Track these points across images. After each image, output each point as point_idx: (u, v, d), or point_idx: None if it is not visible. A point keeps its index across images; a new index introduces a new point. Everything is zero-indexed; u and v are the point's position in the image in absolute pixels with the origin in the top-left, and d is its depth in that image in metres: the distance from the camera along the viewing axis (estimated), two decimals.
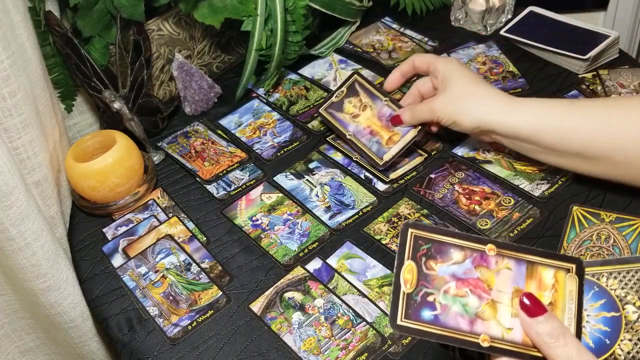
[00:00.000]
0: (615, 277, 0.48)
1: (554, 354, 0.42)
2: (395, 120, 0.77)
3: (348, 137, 0.78)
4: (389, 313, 0.44)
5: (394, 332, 0.44)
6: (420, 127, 0.76)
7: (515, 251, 0.46)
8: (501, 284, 0.45)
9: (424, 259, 0.45)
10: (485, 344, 0.43)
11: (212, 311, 0.65)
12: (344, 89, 0.82)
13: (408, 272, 0.45)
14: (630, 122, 0.62)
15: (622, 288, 0.47)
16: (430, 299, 0.44)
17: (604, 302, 0.47)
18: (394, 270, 0.45)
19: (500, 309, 0.44)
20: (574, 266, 0.46)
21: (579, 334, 0.44)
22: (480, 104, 0.69)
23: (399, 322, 0.44)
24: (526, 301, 0.44)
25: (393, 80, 0.80)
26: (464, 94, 0.70)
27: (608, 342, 0.46)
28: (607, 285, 0.47)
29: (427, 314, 0.44)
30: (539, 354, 0.43)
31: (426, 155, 0.78)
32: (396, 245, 0.68)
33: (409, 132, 0.76)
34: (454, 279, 0.45)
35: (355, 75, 0.83)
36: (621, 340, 0.46)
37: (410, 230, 0.46)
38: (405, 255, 0.45)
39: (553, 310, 0.44)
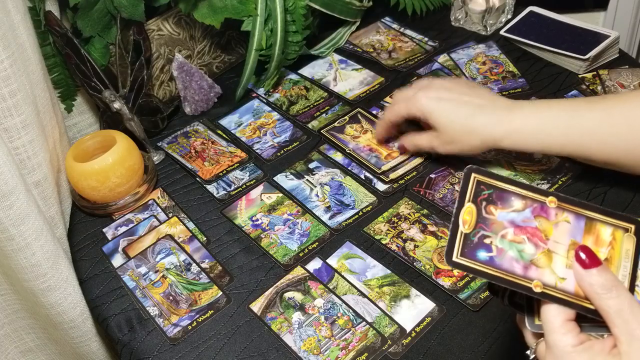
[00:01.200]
0: None
1: (605, 305, 0.42)
2: (402, 149, 0.78)
3: (347, 151, 0.79)
4: (445, 249, 0.44)
5: (449, 266, 0.45)
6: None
7: (576, 206, 0.46)
8: (558, 236, 0.45)
9: (484, 203, 0.46)
10: (538, 289, 0.44)
11: (212, 311, 0.65)
12: (346, 117, 0.85)
13: (467, 213, 0.45)
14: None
15: None
16: (487, 241, 0.45)
17: None
18: (454, 211, 0.45)
19: (555, 258, 0.45)
20: (633, 226, 0.46)
21: (631, 291, 0.44)
22: (481, 133, 0.68)
23: (454, 258, 0.44)
24: (581, 254, 0.44)
25: (378, 137, 0.80)
26: (459, 131, 0.69)
27: None
28: None
29: (482, 254, 0.44)
30: (590, 306, 0.43)
31: (426, 155, 0.78)
32: (397, 246, 0.68)
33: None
34: (512, 225, 0.45)
35: (358, 109, 0.86)
36: None
37: (473, 174, 0.46)
38: (467, 198, 0.46)
39: (608, 266, 0.44)
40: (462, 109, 0.68)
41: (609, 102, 0.64)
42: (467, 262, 0.44)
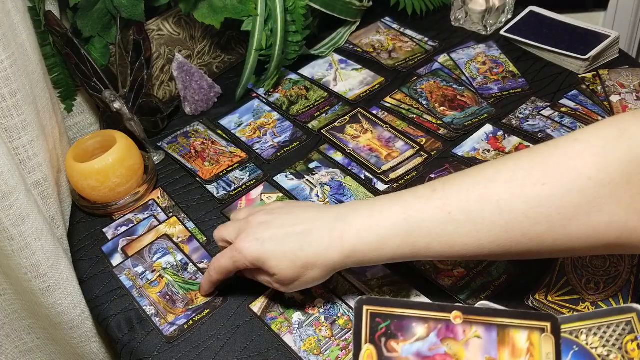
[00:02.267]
0: (595, 334, 0.43)
1: None
2: (242, 274, 0.64)
3: (347, 151, 0.79)
4: None
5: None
6: (419, 147, 0.78)
7: (484, 316, 0.42)
8: (472, 356, 0.41)
9: (383, 339, 0.41)
10: None
11: (208, 310, 0.65)
12: (346, 117, 0.84)
13: (367, 357, 0.41)
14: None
15: (604, 346, 0.43)
16: None
17: None
18: (352, 357, 0.41)
19: None
20: (548, 325, 0.42)
21: None
22: (317, 264, 0.57)
23: None
24: None
25: (205, 292, 0.67)
26: (293, 270, 0.57)
27: None
28: (587, 344, 0.43)
29: None
30: None
31: (426, 155, 0.78)
32: None
33: (408, 150, 0.78)
34: (419, 358, 0.41)
35: (359, 109, 0.85)
36: None
37: (365, 307, 0.42)
38: (363, 339, 0.41)
39: None
40: (286, 245, 0.57)
41: (444, 196, 0.53)
42: None
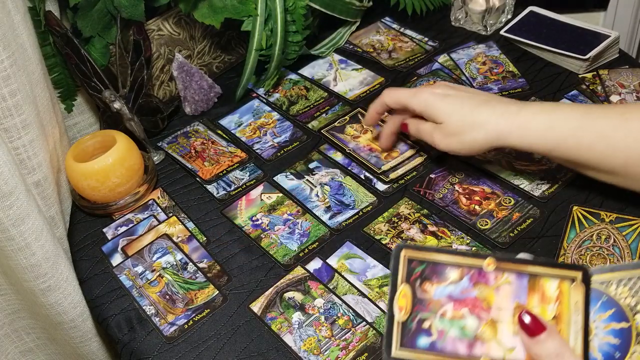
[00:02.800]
0: (625, 285, 0.44)
1: None
2: (404, 128, 0.74)
3: (347, 151, 0.79)
4: (383, 342, 0.42)
5: None
6: (418, 147, 0.78)
7: (516, 264, 0.43)
8: (501, 301, 0.43)
9: (418, 281, 0.43)
10: None
11: (208, 310, 0.65)
12: (347, 117, 0.84)
13: (402, 297, 0.43)
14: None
15: (633, 296, 0.44)
16: (425, 325, 0.43)
17: (613, 312, 0.44)
18: (388, 297, 0.43)
19: (500, 328, 0.42)
20: (579, 275, 0.43)
21: (586, 348, 0.42)
22: (485, 126, 0.64)
23: (393, 353, 0.42)
24: (525, 320, 0.42)
25: (369, 119, 0.76)
26: (462, 123, 0.65)
27: (618, 355, 0.44)
28: (616, 294, 0.44)
29: (423, 341, 0.42)
30: None
31: (426, 155, 0.78)
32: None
33: (408, 150, 0.78)
34: (450, 300, 0.43)
35: (359, 109, 0.86)
36: (632, 353, 0.43)
37: (402, 252, 0.44)
38: (399, 280, 0.44)
39: (558, 325, 0.42)
40: (466, 102, 0.66)
41: (626, 107, 0.61)
42: (407, 353, 0.42)
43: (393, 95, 0.71)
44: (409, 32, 1.00)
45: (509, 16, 0.97)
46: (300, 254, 0.69)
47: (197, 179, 0.79)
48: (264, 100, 0.90)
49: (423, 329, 0.43)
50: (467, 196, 0.72)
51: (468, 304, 0.43)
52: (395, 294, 0.43)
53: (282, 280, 0.66)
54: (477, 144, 0.65)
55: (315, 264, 0.68)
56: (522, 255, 0.45)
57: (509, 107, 0.64)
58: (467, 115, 0.65)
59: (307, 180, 0.77)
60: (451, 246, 0.67)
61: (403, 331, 0.43)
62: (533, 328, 0.41)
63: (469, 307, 0.43)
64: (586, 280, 0.43)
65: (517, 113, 0.63)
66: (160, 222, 0.74)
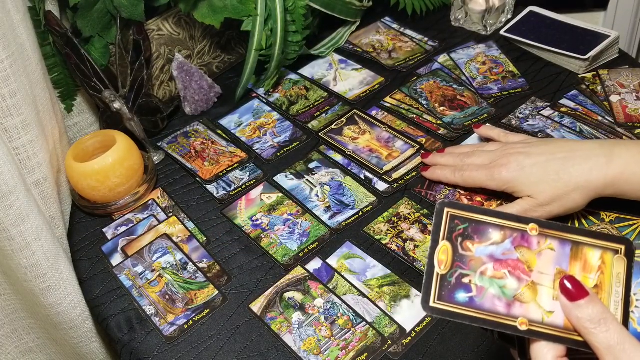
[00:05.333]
0: None
1: (594, 340, 0.40)
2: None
3: (348, 153, 0.79)
4: (421, 294, 0.42)
5: (426, 314, 0.43)
6: (419, 146, 0.78)
7: (560, 231, 0.43)
8: (543, 265, 0.43)
9: (460, 239, 0.43)
10: (524, 327, 0.41)
11: (208, 310, 0.65)
12: (343, 119, 0.84)
13: (443, 252, 0.43)
14: None
15: None
16: (465, 280, 0.43)
17: None
18: (428, 251, 0.43)
19: (541, 291, 0.42)
20: (622, 247, 0.43)
21: (626, 319, 0.42)
22: (580, 185, 0.61)
23: (431, 303, 0.42)
24: (567, 284, 0.41)
25: (429, 175, 0.75)
26: (554, 190, 0.62)
27: None
28: None
29: (461, 295, 0.42)
30: (582, 339, 0.41)
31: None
32: (397, 246, 0.68)
33: (409, 149, 0.78)
34: (491, 260, 0.43)
35: (355, 110, 0.85)
36: None
37: (446, 209, 0.44)
38: (440, 235, 0.43)
39: (598, 294, 0.42)
40: (548, 167, 0.62)
41: None
42: (445, 307, 0.42)
43: (468, 180, 0.69)
44: (409, 32, 1.00)
45: (509, 16, 0.97)
46: (300, 254, 0.69)
47: (197, 179, 0.79)
48: (264, 100, 0.90)
49: (462, 284, 0.43)
50: (468, 197, 0.72)
51: (509, 265, 0.43)
52: (435, 248, 0.43)
53: (282, 280, 0.66)
54: (577, 203, 0.62)
55: (315, 264, 0.68)
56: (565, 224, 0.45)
57: (597, 159, 0.60)
58: (556, 182, 0.62)
59: (307, 180, 0.77)
60: None
61: (442, 285, 0.42)
62: (575, 293, 0.41)
63: (510, 269, 0.43)
64: (629, 254, 0.43)
65: (607, 165, 0.60)
66: (160, 222, 0.74)
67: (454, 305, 0.42)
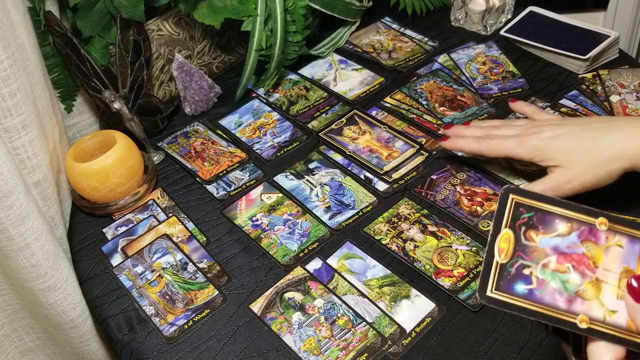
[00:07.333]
0: None
1: None
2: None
3: (348, 153, 0.79)
4: (478, 283, 0.41)
5: (482, 303, 0.41)
6: (419, 146, 0.78)
7: (631, 227, 0.41)
8: (609, 262, 0.41)
9: (523, 228, 0.42)
10: (584, 325, 0.40)
11: (208, 310, 0.65)
12: (343, 119, 0.84)
13: (504, 241, 0.41)
14: None
15: None
16: (526, 271, 0.41)
17: None
18: (489, 238, 0.41)
19: (605, 288, 0.40)
20: None
21: None
22: (616, 153, 0.58)
23: (488, 293, 0.40)
24: (634, 284, 0.40)
25: (454, 146, 0.72)
26: (588, 159, 0.59)
27: None
28: None
29: (521, 287, 0.41)
30: None
31: (427, 154, 0.78)
32: (397, 246, 0.68)
33: (409, 149, 0.78)
34: (555, 252, 0.41)
35: (355, 110, 0.85)
36: None
37: (511, 195, 0.42)
38: (503, 223, 0.42)
39: None
40: (583, 136, 0.59)
41: None
42: (503, 297, 0.40)
43: (495, 147, 0.66)
44: (409, 32, 1.00)
45: (509, 16, 0.97)
46: (300, 254, 0.69)
47: (197, 179, 0.79)
48: (264, 100, 0.90)
49: (522, 275, 0.41)
50: (468, 197, 0.72)
51: (573, 259, 0.41)
52: (497, 236, 0.42)
53: (282, 281, 0.66)
54: (613, 176, 0.59)
55: (315, 264, 0.68)
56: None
57: (635, 129, 0.58)
58: (590, 148, 0.59)
59: (307, 180, 0.77)
60: (451, 246, 0.67)
61: (501, 274, 0.41)
62: None
63: (574, 263, 0.41)
64: None
65: None
66: (160, 222, 0.74)
67: (512, 297, 0.41)
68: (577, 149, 0.59)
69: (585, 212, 0.42)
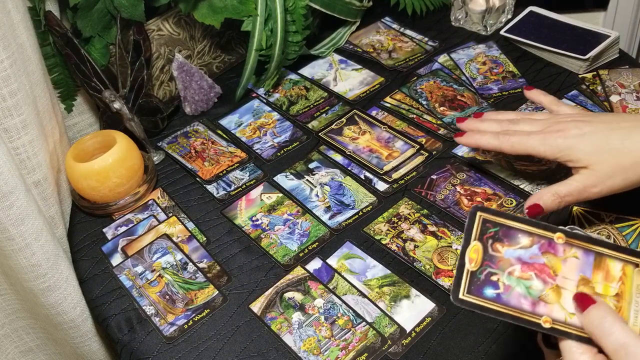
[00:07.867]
0: None
1: (603, 344, 0.41)
2: (535, 210, 0.60)
3: (348, 153, 0.79)
4: (451, 289, 0.45)
5: (456, 305, 0.45)
6: (419, 146, 0.78)
7: (585, 241, 0.46)
8: (567, 271, 0.45)
9: (490, 240, 0.46)
10: (547, 325, 0.44)
11: (208, 310, 0.65)
12: (343, 119, 0.84)
13: (474, 251, 0.46)
14: None
15: None
16: (493, 278, 0.45)
17: None
18: (460, 249, 0.46)
19: (564, 294, 0.45)
20: None
21: None
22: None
23: (460, 296, 0.45)
24: (578, 297, 0.44)
25: (469, 141, 0.68)
26: (617, 160, 0.55)
27: None
28: None
29: (489, 291, 0.45)
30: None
31: (427, 154, 0.78)
32: (397, 246, 0.68)
33: (409, 149, 0.78)
34: (519, 262, 0.46)
35: (355, 110, 0.85)
36: None
37: (478, 213, 0.47)
38: (472, 236, 0.46)
39: (619, 302, 0.45)
40: (611, 136, 0.56)
41: None
42: (473, 300, 0.45)
43: (516, 146, 0.62)
44: (409, 32, 1.00)
45: (509, 16, 0.97)
46: (300, 254, 0.69)
47: (197, 179, 0.79)
48: (264, 100, 0.90)
49: (491, 281, 0.45)
50: (468, 197, 0.72)
51: (536, 268, 0.45)
52: (467, 247, 0.46)
53: (282, 281, 0.66)
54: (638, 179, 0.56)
55: (315, 264, 0.68)
56: (590, 234, 0.47)
57: None
58: (619, 149, 0.55)
59: (307, 180, 0.77)
60: (451, 246, 0.67)
61: (471, 280, 0.45)
62: (585, 303, 0.43)
63: (536, 272, 0.45)
64: None
65: None
66: (160, 222, 0.74)
67: (482, 299, 0.45)
68: (604, 148, 0.56)
69: (544, 228, 0.46)
